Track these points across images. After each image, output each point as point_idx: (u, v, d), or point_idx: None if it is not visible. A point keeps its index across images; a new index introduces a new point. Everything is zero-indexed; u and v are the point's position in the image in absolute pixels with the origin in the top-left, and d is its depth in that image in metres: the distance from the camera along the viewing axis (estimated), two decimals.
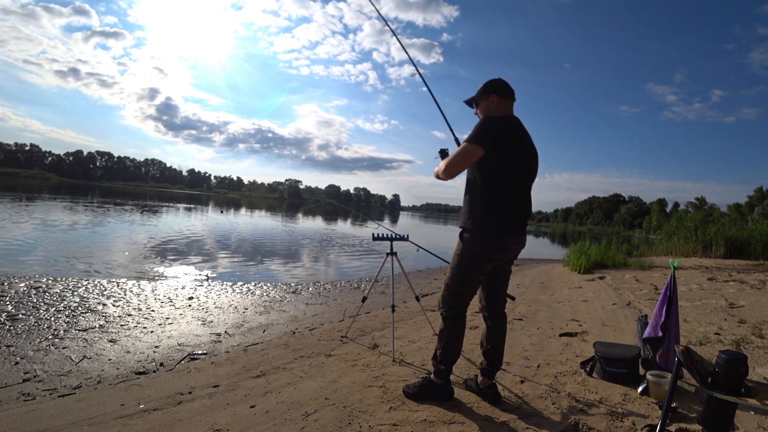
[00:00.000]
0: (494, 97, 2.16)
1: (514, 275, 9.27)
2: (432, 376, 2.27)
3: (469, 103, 2.32)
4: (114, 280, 5.92)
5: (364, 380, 2.57)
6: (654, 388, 2.32)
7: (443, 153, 2.40)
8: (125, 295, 5.12)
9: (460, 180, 2.27)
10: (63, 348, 3.32)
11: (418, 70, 2.96)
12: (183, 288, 5.81)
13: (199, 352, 3.36)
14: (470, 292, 2.19)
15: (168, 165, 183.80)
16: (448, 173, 2.10)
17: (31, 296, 4.68)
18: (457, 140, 2.54)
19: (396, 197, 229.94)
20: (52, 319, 3.99)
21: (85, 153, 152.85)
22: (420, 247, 3.82)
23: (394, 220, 50.26)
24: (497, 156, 2.02)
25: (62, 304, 4.48)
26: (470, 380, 2.45)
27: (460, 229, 2.18)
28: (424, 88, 2.93)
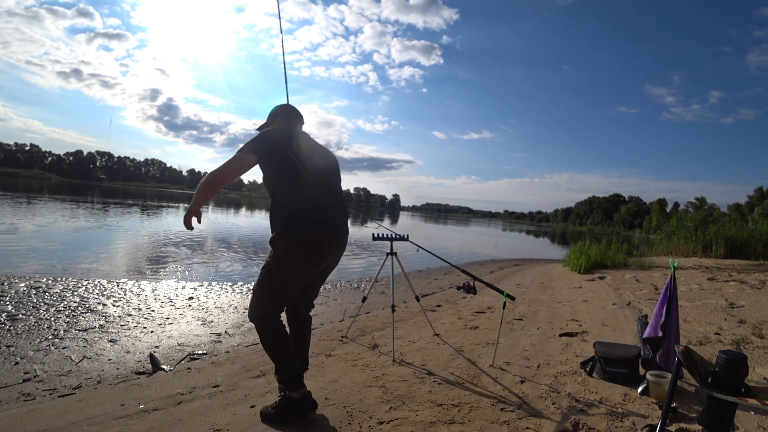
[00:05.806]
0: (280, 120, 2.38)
1: (514, 275, 9.27)
2: (287, 392, 1.98)
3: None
4: (114, 280, 5.91)
5: (364, 380, 2.57)
6: (654, 388, 2.32)
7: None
8: (125, 295, 5.12)
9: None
10: (63, 348, 3.32)
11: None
12: (183, 288, 5.81)
13: (199, 352, 3.37)
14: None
15: (168, 165, 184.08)
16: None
17: (31, 296, 4.68)
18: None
19: (396, 197, 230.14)
20: (52, 319, 3.99)
21: (85, 153, 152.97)
22: (420, 247, 3.81)
23: (394, 220, 50.23)
24: None
25: (62, 304, 4.48)
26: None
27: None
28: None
